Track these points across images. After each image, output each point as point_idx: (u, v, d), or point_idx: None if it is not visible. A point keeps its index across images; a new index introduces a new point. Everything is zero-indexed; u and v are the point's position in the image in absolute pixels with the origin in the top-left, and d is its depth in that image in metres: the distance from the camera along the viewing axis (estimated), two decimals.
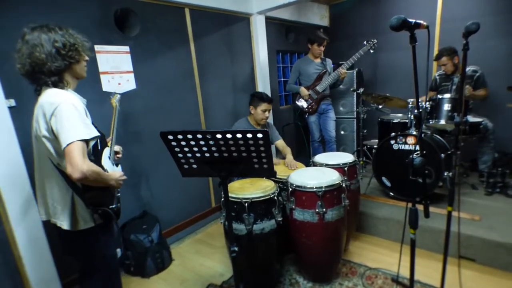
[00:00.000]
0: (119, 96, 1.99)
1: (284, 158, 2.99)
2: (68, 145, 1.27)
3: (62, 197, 1.42)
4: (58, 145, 1.31)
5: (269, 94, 4.17)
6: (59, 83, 1.39)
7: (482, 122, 3.16)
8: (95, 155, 1.47)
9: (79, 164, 1.27)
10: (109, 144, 1.70)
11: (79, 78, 1.52)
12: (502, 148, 3.56)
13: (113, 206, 1.55)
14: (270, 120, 4.15)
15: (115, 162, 1.74)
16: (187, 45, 3.25)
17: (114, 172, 1.54)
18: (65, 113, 1.30)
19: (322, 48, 3.82)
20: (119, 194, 1.65)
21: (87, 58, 1.52)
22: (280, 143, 3.09)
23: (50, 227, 1.51)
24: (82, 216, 1.45)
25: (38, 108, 1.36)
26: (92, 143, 1.42)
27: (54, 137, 1.33)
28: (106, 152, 1.60)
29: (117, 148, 1.80)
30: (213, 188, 3.66)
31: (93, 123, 1.54)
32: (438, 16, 4.03)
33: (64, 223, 1.44)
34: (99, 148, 1.51)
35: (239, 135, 1.36)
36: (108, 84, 2.60)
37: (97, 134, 1.42)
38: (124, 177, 1.61)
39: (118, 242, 2.65)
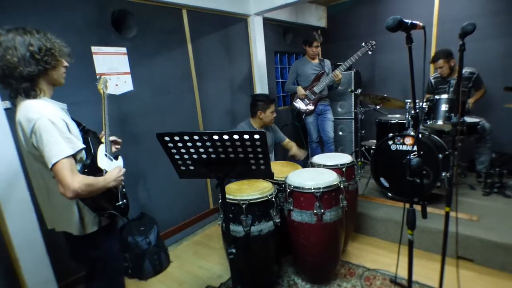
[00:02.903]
0: (105, 79, 1.86)
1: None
2: (53, 165, 1.24)
3: (68, 205, 1.40)
4: (45, 161, 1.28)
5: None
6: (31, 91, 1.32)
7: (479, 122, 3.17)
8: (90, 158, 1.44)
9: (69, 183, 1.24)
10: (103, 139, 1.65)
11: (56, 85, 1.44)
12: (499, 148, 3.57)
13: (120, 203, 1.53)
14: None
15: (114, 154, 1.70)
16: (184, 46, 3.25)
17: (111, 172, 1.49)
18: (43, 130, 1.25)
19: (315, 49, 3.83)
20: (124, 190, 1.63)
21: (66, 64, 1.45)
22: (286, 142, 3.14)
23: (47, 229, 1.50)
24: (89, 219, 1.44)
25: (17, 124, 1.32)
26: (80, 154, 1.38)
27: (39, 153, 1.30)
28: (101, 149, 1.56)
29: (113, 138, 1.74)
30: (211, 189, 3.65)
31: (79, 124, 1.51)
32: (435, 17, 4.05)
33: (74, 230, 1.42)
34: (92, 150, 1.48)
35: (236, 136, 1.35)
36: None
37: (82, 146, 1.36)
38: (123, 171, 1.56)
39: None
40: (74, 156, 1.32)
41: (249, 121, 3.00)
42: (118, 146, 1.79)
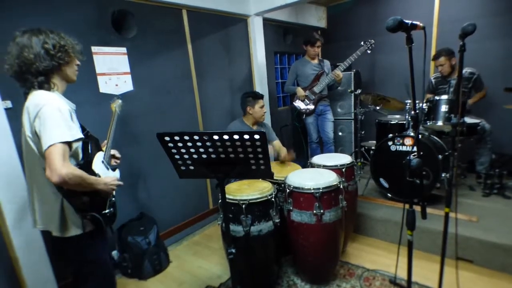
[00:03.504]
0: (120, 101, 2.00)
1: (277, 159, 3.06)
2: (48, 147, 1.26)
3: (52, 202, 1.40)
4: (41, 146, 1.30)
5: (267, 96, 4.21)
6: (45, 84, 1.38)
7: (479, 123, 3.17)
8: (85, 159, 1.45)
9: (57, 167, 1.24)
10: (103, 148, 1.68)
11: (69, 81, 1.51)
12: (499, 149, 3.57)
13: (106, 211, 1.54)
14: (268, 121, 4.16)
15: (112, 166, 1.72)
16: (184, 47, 3.25)
17: (106, 177, 1.51)
18: (48, 115, 1.29)
19: (317, 49, 3.84)
20: (114, 199, 1.63)
21: (78, 62, 1.52)
22: (277, 143, 3.10)
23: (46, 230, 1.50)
24: (72, 221, 1.42)
25: (24, 110, 1.36)
26: (75, 145, 1.39)
27: (38, 140, 1.32)
28: (99, 156, 1.58)
29: (113, 152, 1.78)
30: (211, 189, 3.65)
31: (83, 128, 1.53)
32: (435, 17, 4.05)
33: (54, 229, 1.42)
34: (89, 152, 1.49)
35: (236, 136, 1.36)
36: (105, 85, 2.59)
37: (81, 136, 1.39)
38: (117, 183, 1.58)
39: (113, 245, 2.64)
40: (70, 145, 1.34)
41: (242, 119, 3.03)
42: (118, 161, 1.81)
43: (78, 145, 1.42)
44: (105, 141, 1.73)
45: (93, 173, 1.48)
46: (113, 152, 1.78)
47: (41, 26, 1.41)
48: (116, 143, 1.83)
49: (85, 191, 1.41)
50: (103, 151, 1.66)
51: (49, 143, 1.26)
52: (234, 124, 3.01)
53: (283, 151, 2.99)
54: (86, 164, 1.46)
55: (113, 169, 1.72)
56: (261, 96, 2.96)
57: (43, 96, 1.34)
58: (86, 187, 1.39)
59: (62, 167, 1.25)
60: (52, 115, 1.29)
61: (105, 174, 1.58)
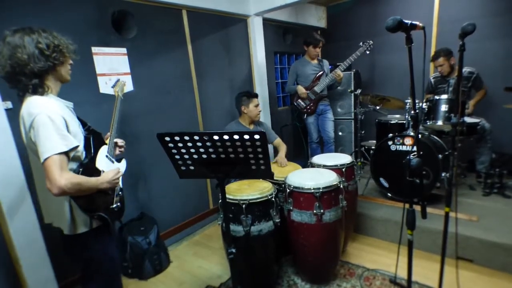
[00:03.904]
0: (122, 82, 1.93)
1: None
2: (45, 160, 1.25)
3: (61, 202, 1.41)
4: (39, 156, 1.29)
5: (267, 95, 4.21)
6: (39, 88, 1.34)
7: (479, 122, 3.17)
8: (88, 158, 1.45)
9: (56, 179, 1.24)
10: (107, 141, 1.66)
11: (63, 81, 1.48)
12: (499, 148, 3.57)
13: (113, 206, 1.53)
14: (268, 121, 4.16)
15: (118, 157, 1.70)
16: (184, 47, 3.25)
17: (106, 173, 1.49)
18: (41, 126, 1.27)
19: (318, 50, 3.85)
20: (121, 193, 1.62)
21: (71, 61, 1.49)
22: (277, 141, 3.14)
23: (47, 229, 1.50)
24: (81, 219, 1.43)
25: (20, 119, 1.34)
26: (73, 152, 1.37)
27: (35, 148, 1.31)
28: (102, 151, 1.56)
29: (118, 141, 1.76)
30: (211, 189, 3.66)
31: (84, 123, 1.52)
32: (435, 17, 4.05)
33: (64, 228, 1.43)
34: (92, 150, 1.48)
35: (236, 137, 1.36)
36: (105, 86, 2.59)
37: (76, 144, 1.36)
38: (120, 174, 1.56)
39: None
40: (67, 153, 1.32)
41: (238, 120, 3.06)
42: (122, 150, 1.79)
43: (79, 152, 1.41)
44: (108, 133, 1.71)
45: (97, 170, 1.47)
46: (119, 142, 1.75)
47: (32, 25, 1.37)
48: None
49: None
50: (107, 144, 1.64)
51: (45, 156, 1.25)
52: (230, 126, 3.03)
53: (282, 148, 3.03)
54: (90, 163, 1.45)
55: (119, 160, 1.71)
56: (255, 95, 2.98)
57: (37, 104, 1.31)
58: (87, 191, 1.38)
59: (60, 178, 1.25)
60: (45, 126, 1.27)
61: (109, 167, 1.56)
